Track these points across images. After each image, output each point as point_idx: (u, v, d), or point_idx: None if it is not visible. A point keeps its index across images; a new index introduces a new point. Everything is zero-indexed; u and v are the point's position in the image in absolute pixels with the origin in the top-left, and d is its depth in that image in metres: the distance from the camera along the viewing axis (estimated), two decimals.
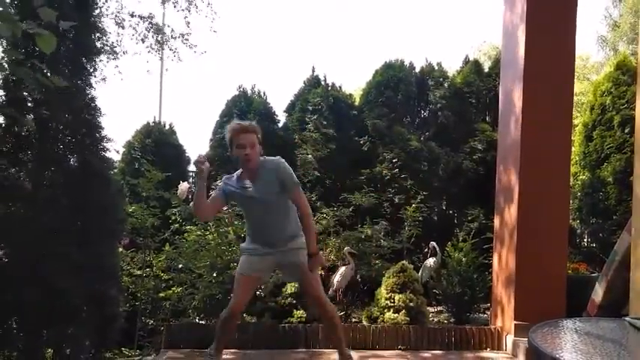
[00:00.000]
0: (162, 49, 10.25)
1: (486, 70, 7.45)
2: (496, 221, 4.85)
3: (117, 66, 9.45)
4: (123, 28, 9.29)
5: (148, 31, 9.59)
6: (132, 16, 9.38)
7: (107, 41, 8.15)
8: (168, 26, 10.43)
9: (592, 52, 20.20)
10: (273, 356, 4.07)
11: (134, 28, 9.43)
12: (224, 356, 4.04)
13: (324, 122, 6.75)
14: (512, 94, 4.59)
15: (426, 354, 4.31)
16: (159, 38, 9.92)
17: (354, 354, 4.20)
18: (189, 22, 9.85)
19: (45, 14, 2.07)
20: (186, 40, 9.93)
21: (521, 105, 4.40)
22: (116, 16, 9.18)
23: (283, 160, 3.14)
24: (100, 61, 3.67)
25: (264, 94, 7.46)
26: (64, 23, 2.24)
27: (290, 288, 4.80)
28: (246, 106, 7.25)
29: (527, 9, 4.39)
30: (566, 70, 4.52)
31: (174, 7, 9.96)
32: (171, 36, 10.03)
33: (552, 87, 4.40)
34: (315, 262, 3.17)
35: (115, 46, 8.70)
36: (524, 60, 4.39)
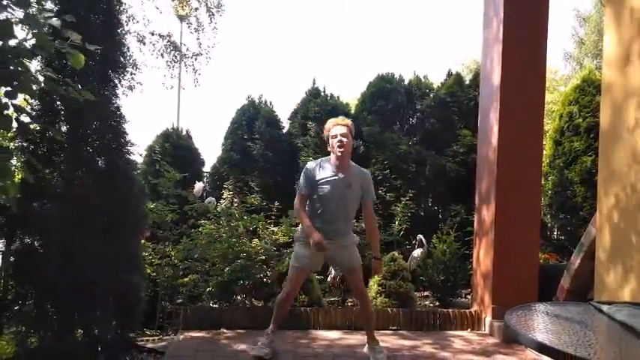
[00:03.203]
0: (180, 64, 10.25)
1: (467, 82, 7.45)
2: (476, 216, 4.86)
3: (141, 82, 9.46)
4: (144, 44, 9.30)
5: (167, 48, 9.61)
6: (152, 34, 9.40)
7: (131, 56, 8.16)
8: (184, 44, 10.45)
9: (560, 66, 20.21)
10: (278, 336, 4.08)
11: (153, 45, 9.44)
12: (229, 334, 4.05)
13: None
14: (490, 105, 4.60)
15: (413, 334, 4.32)
16: (176, 54, 9.92)
17: (350, 334, 4.21)
18: (200, 43, 9.87)
19: (73, 37, 2.09)
20: (196, 61, 9.94)
21: (498, 114, 4.41)
22: (138, 34, 9.19)
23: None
24: (125, 74, 3.66)
25: (270, 103, 7.45)
26: (91, 46, 2.27)
27: None
28: (254, 114, 7.24)
29: (503, 30, 4.40)
30: (538, 83, 4.53)
31: (189, 27, 9.99)
32: (186, 54, 10.05)
33: (525, 98, 4.40)
34: (377, 264, 3.51)
35: (137, 62, 8.73)
36: (500, 74, 4.40)
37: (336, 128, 3.28)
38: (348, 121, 3.37)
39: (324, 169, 3.29)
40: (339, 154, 3.22)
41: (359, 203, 3.39)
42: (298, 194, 3.37)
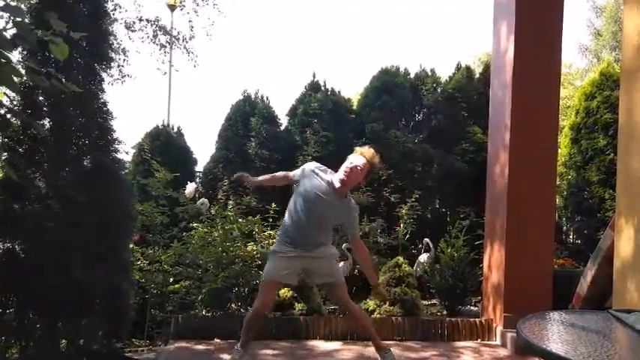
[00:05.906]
0: (171, 49, 10.25)
1: (477, 75, 7.44)
2: (487, 219, 4.86)
3: (129, 75, 9.42)
4: (134, 31, 9.30)
5: (155, 34, 9.61)
6: (140, 20, 9.40)
7: (119, 46, 8.16)
8: (175, 28, 10.45)
9: (575, 60, 20.18)
10: (268, 345, 4.05)
11: (142, 30, 9.44)
12: (223, 345, 4.05)
13: (324, 125, 6.75)
14: (502, 100, 4.60)
15: (419, 344, 4.31)
16: (166, 40, 9.92)
17: (351, 345, 4.20)
18: (192, 27, 9.86)
19: (56, 25, 2.07)
20: (188, 44, 9.94)
21: (510, 110, 4.40)
22: (125, 21, 9.20)
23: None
24: (112, 68, 3.65)
25: (267, 98, 7.44)
26: (76, 34, 2.24)
27: None
28: (250, 110, 7.23)
29: (515, 20, 4.39)
30: (553, 78, 4.53)
31: (181, 10, 9.99)
32: (176, 37, 10.05)
33: (539, 93, 4.40)
34: (375, 290, 3.51)
35: (127, 51, 8.73)
36: (512, 68, 4.40)
37: (355, 157, 3.26)
38: (375, 159, 3.31)
39: (319, 180, 3.26)
40: (339, 183, 3.20)
41: (333, 227, 3.53)
42: (286, 173, 3.55)
